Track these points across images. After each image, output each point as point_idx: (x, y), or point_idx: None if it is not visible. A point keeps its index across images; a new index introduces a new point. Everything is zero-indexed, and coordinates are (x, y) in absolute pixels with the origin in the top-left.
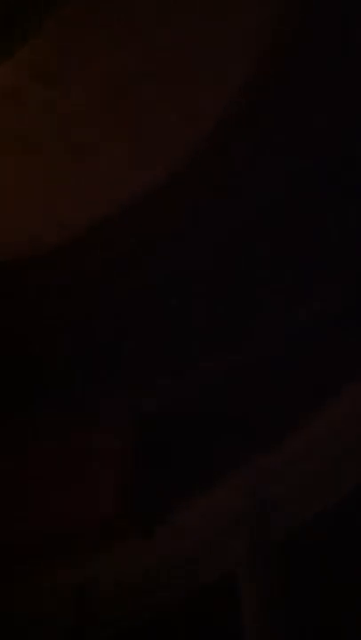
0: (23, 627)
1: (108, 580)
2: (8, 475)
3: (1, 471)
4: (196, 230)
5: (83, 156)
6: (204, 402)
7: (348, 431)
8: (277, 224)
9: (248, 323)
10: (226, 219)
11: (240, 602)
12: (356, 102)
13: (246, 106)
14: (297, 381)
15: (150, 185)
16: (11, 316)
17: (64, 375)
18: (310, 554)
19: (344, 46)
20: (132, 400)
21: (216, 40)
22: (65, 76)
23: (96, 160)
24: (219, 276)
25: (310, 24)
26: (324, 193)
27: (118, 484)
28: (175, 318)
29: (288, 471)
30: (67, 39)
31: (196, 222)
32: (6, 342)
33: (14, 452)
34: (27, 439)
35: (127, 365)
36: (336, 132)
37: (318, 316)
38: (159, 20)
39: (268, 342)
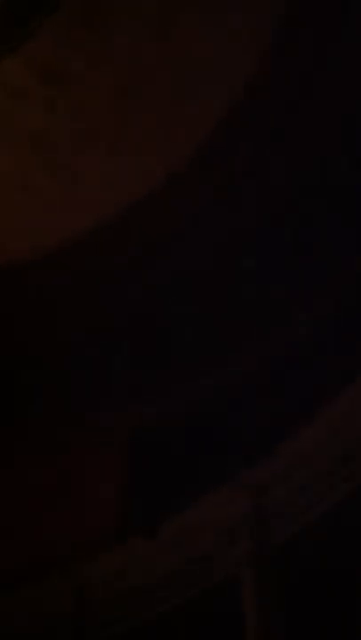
0: (24, 627)
1: (108, 580)
2: (9, 475)
3: (2, 473)
4: (196, 230)
5: (83, 156)
6: (204, 402)
7: (349, 431)
8: (277, 224)
9: (248, 323)
10: (226, 219)
11: (241, 602)
12: (356, 102)
13: (246, 106)
14: (297, 382)
15: (150, 185)
16: (11, 317)
17: (63, 377)
18: (311, 554)
19: (344, 47)
20: (132, 401)
21: (216, 40)
22: (67, 76)
23: (96, 161)
24: (219, 275)
25: (310, 24)
26: (325, 193)
27: (119, 485)
28: (175, 319)
29: (288, 472)
30: (68, 40)
31: (197, 222)
32: (6, 343)
33: (14, 453)
34: (27, 441)
35: (127, 367)
36: (336, 131)
37: (318, 317)
38: (159, 21)
39: (267, 343)
